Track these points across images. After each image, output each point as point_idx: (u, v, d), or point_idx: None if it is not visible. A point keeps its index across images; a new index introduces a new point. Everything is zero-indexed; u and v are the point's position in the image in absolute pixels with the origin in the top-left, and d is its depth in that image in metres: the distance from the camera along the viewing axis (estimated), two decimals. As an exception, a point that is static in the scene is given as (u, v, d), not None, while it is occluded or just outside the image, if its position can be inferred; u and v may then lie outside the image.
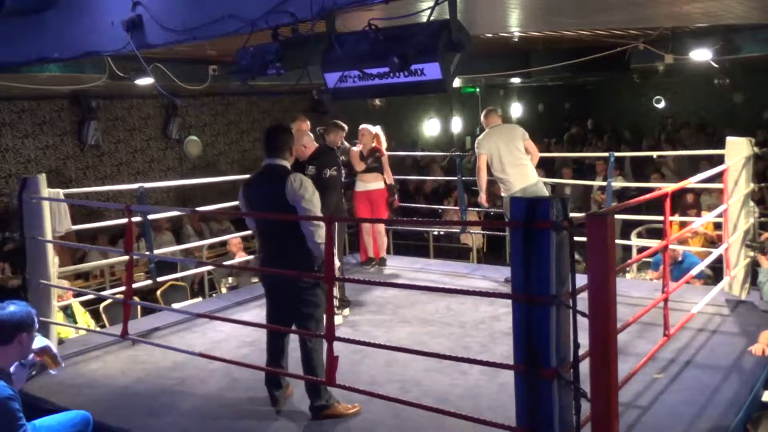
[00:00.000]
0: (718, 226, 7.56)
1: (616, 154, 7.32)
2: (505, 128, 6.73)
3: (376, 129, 7.35)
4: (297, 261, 4.09)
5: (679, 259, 6.75)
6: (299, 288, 4.11)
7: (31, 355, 3.59)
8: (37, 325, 3.51)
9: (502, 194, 6.77)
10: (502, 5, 5.09)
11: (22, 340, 3.37)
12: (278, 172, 4.18)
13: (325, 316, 3.93)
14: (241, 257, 8.05)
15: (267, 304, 4.39)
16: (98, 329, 6.27)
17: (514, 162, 6.45)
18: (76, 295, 6.42)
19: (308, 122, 6.32)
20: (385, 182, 7.28)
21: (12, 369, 3.43)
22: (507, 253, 7.75)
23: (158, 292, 7.48)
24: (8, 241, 8.73)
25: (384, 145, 7.33)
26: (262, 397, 4.46)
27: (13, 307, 3.38)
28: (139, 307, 6.61)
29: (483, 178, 6.62)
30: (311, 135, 6.00)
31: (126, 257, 5.02)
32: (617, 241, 6.27)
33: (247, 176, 8.42)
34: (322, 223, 3.99)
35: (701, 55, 9.01)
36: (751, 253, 5.80)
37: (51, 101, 10.44)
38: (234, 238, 8.30)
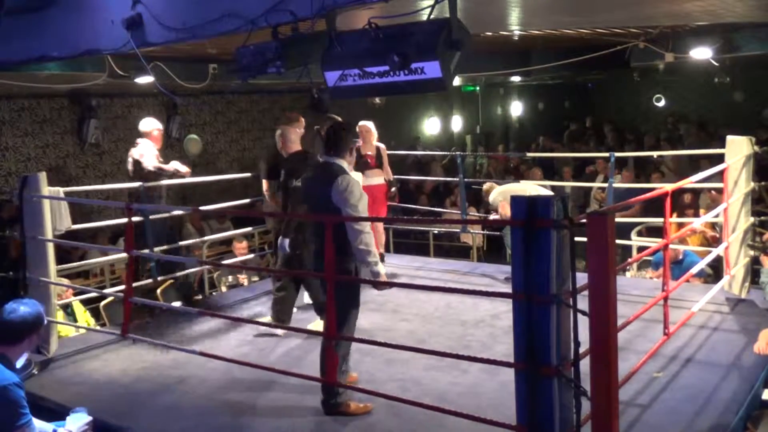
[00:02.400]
0: (714, 227, 7.59)
1: (617, 154, 7.32)
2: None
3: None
4: (342, 253, 4.01)
5: (680, 257, 6.75)
6: (336, 287, 4.03)
7: (26, 355, 3.62)
8: (45, 322, 3.56)
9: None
10: (503, 4, 5.09)
11: (31, 339, 3.46)
12: (331, 171, 4.10)
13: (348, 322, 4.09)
14: (243, 256, 8.03)
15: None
16: (98, 327, 6.27)
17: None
18: (77, 293, 6.42)
19: (302, 120, 6.20)
20: (385, 178, 7.26)
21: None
22: (507, 252, 7.74)
23: (158, 291, 7.48)
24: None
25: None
26: (262, 396, 4.47)
27: (23, 308, 3.42)
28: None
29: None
30: (296, 134, 5.75)
31: (126, 255, 5.02)
32: (617, 241, 6.26)
33: (246, 174, 8.53)
34: (368, 229, 3.96)
35: (701, 53, 9.00)
36: (752, 253, 5.81)
37: (51, 100, 10.43)
38: (239, 242, 8.27)
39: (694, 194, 9.20)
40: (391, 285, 4.25)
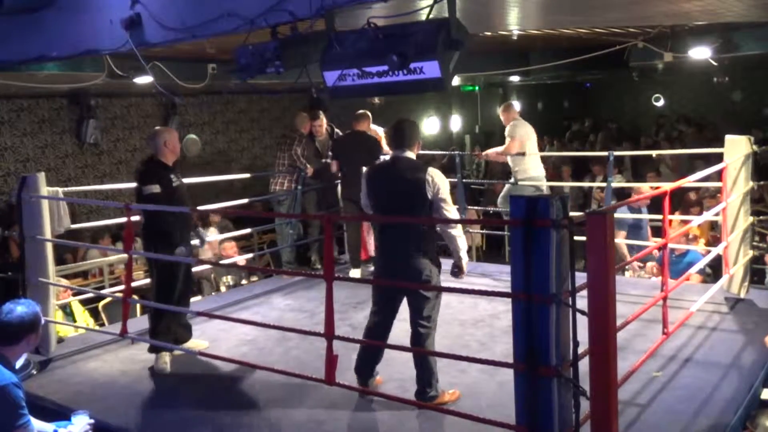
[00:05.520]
0: (713, 228, 7.60)
1: (616, 153, 7.33)
2: (526, 123, 7.59)
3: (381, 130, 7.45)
4: (420, 250, 4.12)
5: (683, 252, 6.76)
6: (419, 277, 4.14)
7: (26, 355, 3.62)
8: (43, 322, 3.56)
9: (511, 181, 7.60)
10: (502, 4, 5.09)
11: (30, 340, 3.46)
12: (412, 164, 4.19)
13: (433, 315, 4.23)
14: (236, 256, 8.02)
15: (378, 294, 4.40)
16: (97, 328, 6.27)
17: (535, 152, 7.41)
18: (75, 293, 6.42)
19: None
20: None
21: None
22: (506, 252, 7.76)
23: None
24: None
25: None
26: (260, 396, 4.46)
27: (21, 309, 3.41)
28: (138, 305, 6.61)
29: (504, 159, 7.70)
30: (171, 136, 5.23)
31: (125, 255, 5.02)
32: (616, 240, 6.28)
33: (246, 175, 8.54)
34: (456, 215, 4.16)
35: (700, 53, 9.01)
36: (751, 252, 5.81)
37: (50, 100, 10.43)
38: (227, 243, 8.25)
39: (697, 192, 9.21)
40: (391, 284, 4.23)
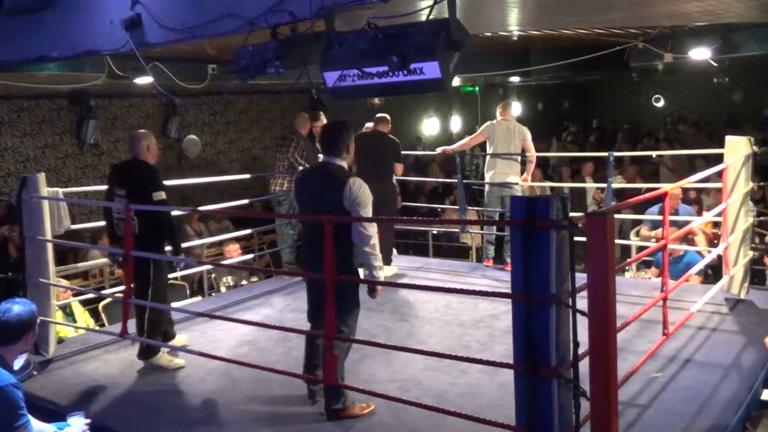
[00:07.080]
0: (716, 225, 7.57)
1: (615, 153, 7.32)
2: (510, 123, 7.37)
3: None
4: (338, 264, 3.97)
5: (680, 253, 6.75)
6: (336, 290, 3.97)
7: (26, 355, 3.62)
8: (38, 320, 3.57)
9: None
10: (502, 4, 5.09)
11: (27, 338, 3.46)
12: (335, 173, 4.06)
13: (350, 322, 4.12)
14: (238, 257, 8.03)
15: (307, 299, 4.35)
16: (97, 328, 6.27)
17: (502, 155, 7.22)
18: (76, 294, 6.42)
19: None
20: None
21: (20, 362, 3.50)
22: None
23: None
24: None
25: None
26: (261, 396, 4.46)
27: (17, 308, 3.41)
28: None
29: (461, 146, 7.94)
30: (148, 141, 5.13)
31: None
32: (616, 241, 6.28)
33: (246, 176, 8.55)
34: (375, 232, 3.93)
35: (700, 53, 9.01)
36: (750, 252, 5.81)
37: (50, 100, 10.43)
38: (232, 245, 8.25)
39: (697, 192, 9.21)
40: (378, 284, 4.18)
